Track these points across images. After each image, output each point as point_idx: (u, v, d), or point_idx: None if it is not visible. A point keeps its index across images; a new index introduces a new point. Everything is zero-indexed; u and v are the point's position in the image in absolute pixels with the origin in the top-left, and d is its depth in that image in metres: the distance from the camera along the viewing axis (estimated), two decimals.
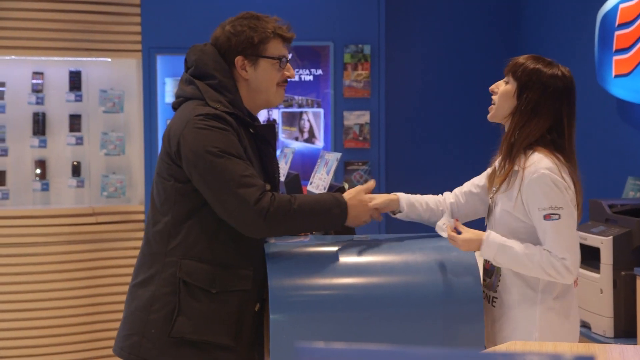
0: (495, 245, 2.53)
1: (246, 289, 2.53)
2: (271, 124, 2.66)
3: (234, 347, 2.51)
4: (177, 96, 2.63)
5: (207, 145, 2.41)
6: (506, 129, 2.65)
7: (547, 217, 2.48)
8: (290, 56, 2.71)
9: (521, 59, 2.64)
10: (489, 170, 2.76)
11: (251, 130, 2.56)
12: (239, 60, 2.55)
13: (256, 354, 2.63)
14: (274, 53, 2.59)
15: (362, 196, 2.63)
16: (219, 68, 2.54)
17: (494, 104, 2.65)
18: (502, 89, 2.63)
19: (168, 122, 2.85)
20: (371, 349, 0.80)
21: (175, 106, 2.63)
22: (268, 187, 2.55)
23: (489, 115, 2.68)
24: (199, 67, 2.55)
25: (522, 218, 2.55)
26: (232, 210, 2.42)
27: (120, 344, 2.56)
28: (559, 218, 2.48)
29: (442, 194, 2.89)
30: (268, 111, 6.16)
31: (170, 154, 2.51)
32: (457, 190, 2.87)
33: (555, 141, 2.58)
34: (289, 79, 2.65)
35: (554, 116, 2.58)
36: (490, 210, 2.71)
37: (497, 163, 2.69)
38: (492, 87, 2.67)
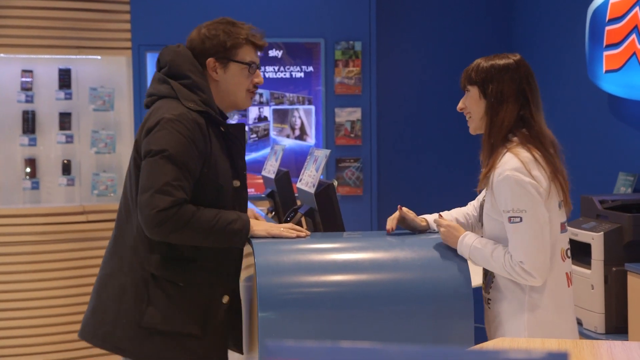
0: (467, 246, 2.57)
1: (212, 282, 2.64)
2: (242, 124, 2.76)
3: (202, 337, 2.62)
4: (150, 94, 2.72)
5: (159, 144, 2.52)
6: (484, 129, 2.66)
7: (509, 219, 2.49)
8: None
9: (471, 65, 2.68)
10: None
11: (222, 129, 2.68)
12: (210, 62, 2.66)
13: (227, 343, 2.74)
14: (244, 58, 2.70)
15: (271, 224, 2.70)
16: (193, 69, 2.64)
17: (469, 117, 2.69)
18: (469, 98, 2.67)
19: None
20: (344, 346, 0.79)
21: (148, 104, 2.72)
22: (238, 182, 2.67)
23: (470, 129, 2.71)
24: (173, 68, 2.65)
25: (498, 218, 2.56)
26: (141, 207, 2.51)
27: (92, 331, 2.68)
28: (520, 221, 2.47)
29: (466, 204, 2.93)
30: (259, 108, 6.14)
31: (141, 152, 2.60)
32: (474, 201, 2.90)
33: (528, 121, 2.59)
34: (258, 85, 2.76)
35: (519, 98, 2.60)
36: (482, 210, 2.72)
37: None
38: (460, 106, 2.71)
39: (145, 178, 2.51)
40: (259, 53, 2.79)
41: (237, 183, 2.67)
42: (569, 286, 2.60)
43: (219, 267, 2.67)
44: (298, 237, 2.65)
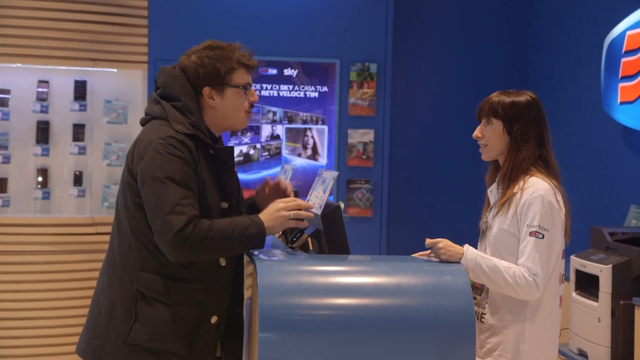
0: (473, 256, 2.68)
1: (200, 302, 2.66)
2: (230, 147, 2.78)
3: (187, 356, 2.64)
4: (145, 113, 2.77)
5: (158, 169, 2.56)
6: (501, 162, 2.85)
7: (532, 233, 2.66)
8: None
9: (493, 98, 2.83)
10: None
11: (211, 152, 2.70)
12: (206, 90, 2.70)
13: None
14: (239, 82, 2.73)
15: (275, 205, 2.69)
16: (185, 92, 2.69)
17: (485, 146, 2.85)
18: (491, 131, 2.82)
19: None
20: None
21: (142, 123, 2.78)
22: (225, 204, 2.69)
23: (484, 157, 2.88)
24: (166, 89, 2.71)
25: (517, 234, 2.72)
26: (158, 233, 2.55)
27: (84, 346, 2.72)
28: (543, 238, 2.66)
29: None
30: (272, 126, 6.15)
31: (132, 170, 2.66)
32: None
33: (546, 159, 2.79)
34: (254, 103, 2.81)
35: (538, 138, 2.80)
36: (482, 234, 2.88)
37: (490, 193, 2.90)
38: (477, 134, 2.87)
39: (153, 204, 2.55)
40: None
41: (225, 205, 2.69)
42: (560, 307, 2.81)
43: (209, 287, 2.68)
44: (301, 208, 2.65)
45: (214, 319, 2.69)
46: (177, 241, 2.50)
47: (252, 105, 2.77)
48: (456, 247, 2.69)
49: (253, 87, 2.83)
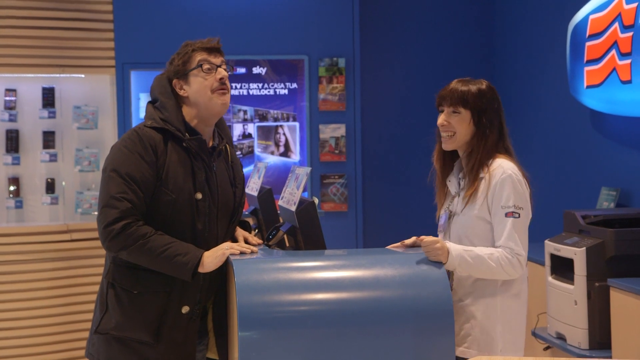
0: (458, 251, 2.67)
1: (166, 290, 2.71)
2: (200, 138, 2.81)
3: (155, 344, 2.71)
4: None
5: (109, 162, 2.72)
6: (461, 152, 2.85)
7: (509, 214, 2.68)
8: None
9: (459, 87, 2.82)
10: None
11: (184, 144, 2.77)
12: (175, 83, 2.83)
13: (192, 352, 2.78)
14: (195, 64, 2.81)
15: (222, 245, 2.75)
16: (163, 92, 2.83)
17: (451, 135, 2.82)
18: (457, 119, 2.81)
19: None
20: None
21: None
22: (199, 195, 2.73)
23: (448, 146, 2.84)
24: (152, 94, 2.89)
25: (487, 218, 2.73)
26: (97, 222, 2.69)
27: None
28: (519, 217, 2.69)
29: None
30: (244, 125, 6.15)
31: None
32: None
33: (504, 142, 2.82)
34: (224, 82, 2.81)
35: (499, 127, 2.84)
36: (445, 223, 2.87)
37: (448, 183, 2.90)
38: (443, 122, 2.84)
39: (98, 196, 2.72)
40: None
41: (199, 195, 2.74)
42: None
43: (175, 277, 2.70)
44: (243, 252, 2.69)
45: (185, 309, 2.73)
46: (105, 235, 2.64)
47: (221, 83, 2.79)
48: (443, 253, 2.64)
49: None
